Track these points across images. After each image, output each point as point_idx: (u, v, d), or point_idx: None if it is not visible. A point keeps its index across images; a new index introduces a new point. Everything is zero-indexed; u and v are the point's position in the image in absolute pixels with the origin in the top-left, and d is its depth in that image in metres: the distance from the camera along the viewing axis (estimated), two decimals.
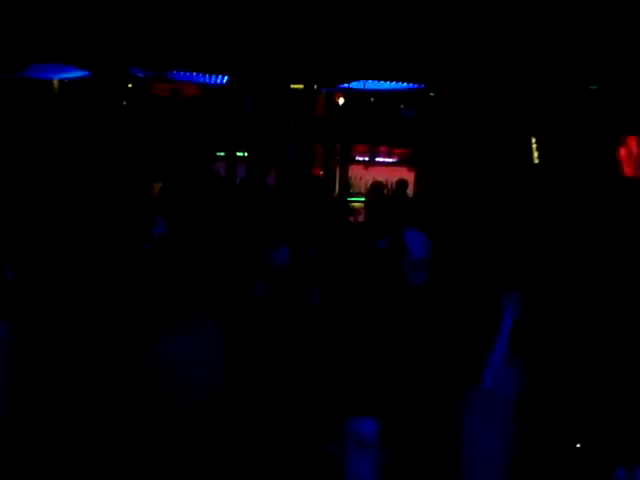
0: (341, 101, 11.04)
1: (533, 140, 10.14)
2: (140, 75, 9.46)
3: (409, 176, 10.71)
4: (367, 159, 11.19)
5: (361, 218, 9.64)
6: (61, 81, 9.99)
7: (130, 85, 9.82)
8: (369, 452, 2.86)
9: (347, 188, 10.96)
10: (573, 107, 9.60)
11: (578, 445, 3.57)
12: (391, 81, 9.84)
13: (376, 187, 9.03)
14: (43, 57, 8.68)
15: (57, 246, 5.43)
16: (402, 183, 9.43)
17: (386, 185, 10.02)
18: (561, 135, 9.60)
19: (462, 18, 8.80)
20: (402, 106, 11.13)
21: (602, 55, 8.90)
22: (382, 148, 11.21)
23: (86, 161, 8.87)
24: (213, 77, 9.77)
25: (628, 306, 4.48)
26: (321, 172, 10.97)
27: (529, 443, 3.46)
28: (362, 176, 11.06)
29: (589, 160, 9.08)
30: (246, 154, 10.61)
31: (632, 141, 9.20)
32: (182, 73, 9.65)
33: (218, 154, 10.55)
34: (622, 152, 9.25)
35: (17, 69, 8.78)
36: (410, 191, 10.07)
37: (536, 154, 10.13)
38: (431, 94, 10.91)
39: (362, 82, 9.95)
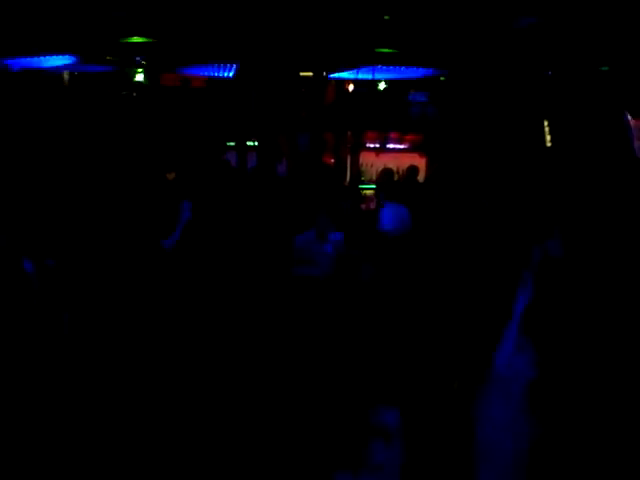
0: (351, 88, 10.97)
1: (545, 123, 10.06)
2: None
3: (420, 162, 10.66)
4: (378, 146, 11.15)
5: (373, 205, 9.62)
6: (71, 74, 10.00)
7: (139, 76, 9.79)
8: (393, 442, 2.86)
9: (358, 175, 10.93)
10: (585, 89, 9.50)
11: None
12: (402, 66, 9.70)
13: (386, 173, 8.99)
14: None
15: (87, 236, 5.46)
16: (413, 169, 9.38)
17: (397, 171, 9.99)
18: (573, 117, 9.51)
19: (471, 4, 8.72)
20: (412, 91, 11.05)
21: (613, 36, 8.80)
22: (393, 135, 11.16)
23: (97, 153, 8.88)
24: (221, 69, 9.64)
25: None
26: (332, 160, 10.94)
27: (545, 436, 3.39)
28: (373, 163, 11.02)
29: (602, 142, 8.99)
30: (256, 143, 10.59)
31: None
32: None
33: (229, 144, 10.53)
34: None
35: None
36: (421, 177, 10.02)
37: (548, 137, 10.06)
38: (442, 78, 10.83)
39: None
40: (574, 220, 5.68)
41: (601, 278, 4.52)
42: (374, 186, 10.15)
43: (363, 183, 10.71)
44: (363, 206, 9.32)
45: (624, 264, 4.79)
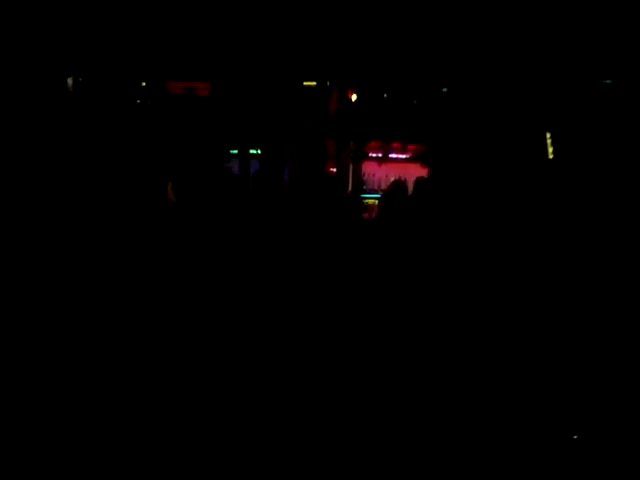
0: (354, 98, 11.01)
1: (548, 135, 10.10)
2: None
3: (422, 172, 10.69)
4: (380, 155, 11.19)
5: (374, 215, 9.65)
6: (75, 79, 10.01)
7: (144, 83, 9.83)
8: None
9: (361, 185, 10.97)
10: (588, 102, 9.55)
11: None
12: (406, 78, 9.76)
13: (398, 186, 8.93)
14: None
15: None
16: (420, 181, 9.37)
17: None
18: (576, 130, 9.55)
19: (475, 15, 8.77)
20: (415, 102, 11.09)
21: (617, 49, 8.84)
22: (395, 144, 11.21)
23: (101, 160, 8.89)
24: None
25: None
26: (334, 169, 10.97)
27: None
28: (376, 172, 11.08)
29: (605, 156, 9.03)
30: (259, 151, 10.62)
31: None
32: None
33: (232, 152, 10.56)
34: None
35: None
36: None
37: (551, 149, 10.10)
38: (444, 90, 10.87)
39: None
40: (578, 236, 5.73)
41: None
42: (377, 195, 10.19)
43: (365, 192, 10.75)
44: (366, 215, 9.36)
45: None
